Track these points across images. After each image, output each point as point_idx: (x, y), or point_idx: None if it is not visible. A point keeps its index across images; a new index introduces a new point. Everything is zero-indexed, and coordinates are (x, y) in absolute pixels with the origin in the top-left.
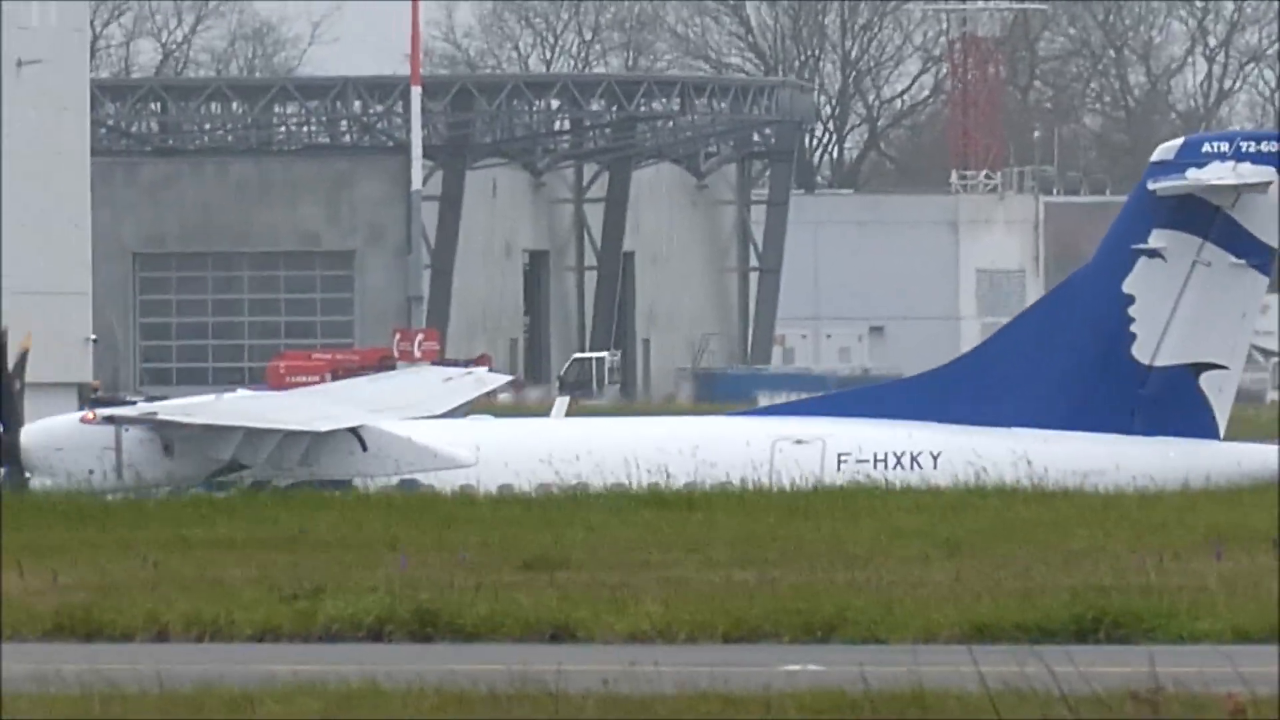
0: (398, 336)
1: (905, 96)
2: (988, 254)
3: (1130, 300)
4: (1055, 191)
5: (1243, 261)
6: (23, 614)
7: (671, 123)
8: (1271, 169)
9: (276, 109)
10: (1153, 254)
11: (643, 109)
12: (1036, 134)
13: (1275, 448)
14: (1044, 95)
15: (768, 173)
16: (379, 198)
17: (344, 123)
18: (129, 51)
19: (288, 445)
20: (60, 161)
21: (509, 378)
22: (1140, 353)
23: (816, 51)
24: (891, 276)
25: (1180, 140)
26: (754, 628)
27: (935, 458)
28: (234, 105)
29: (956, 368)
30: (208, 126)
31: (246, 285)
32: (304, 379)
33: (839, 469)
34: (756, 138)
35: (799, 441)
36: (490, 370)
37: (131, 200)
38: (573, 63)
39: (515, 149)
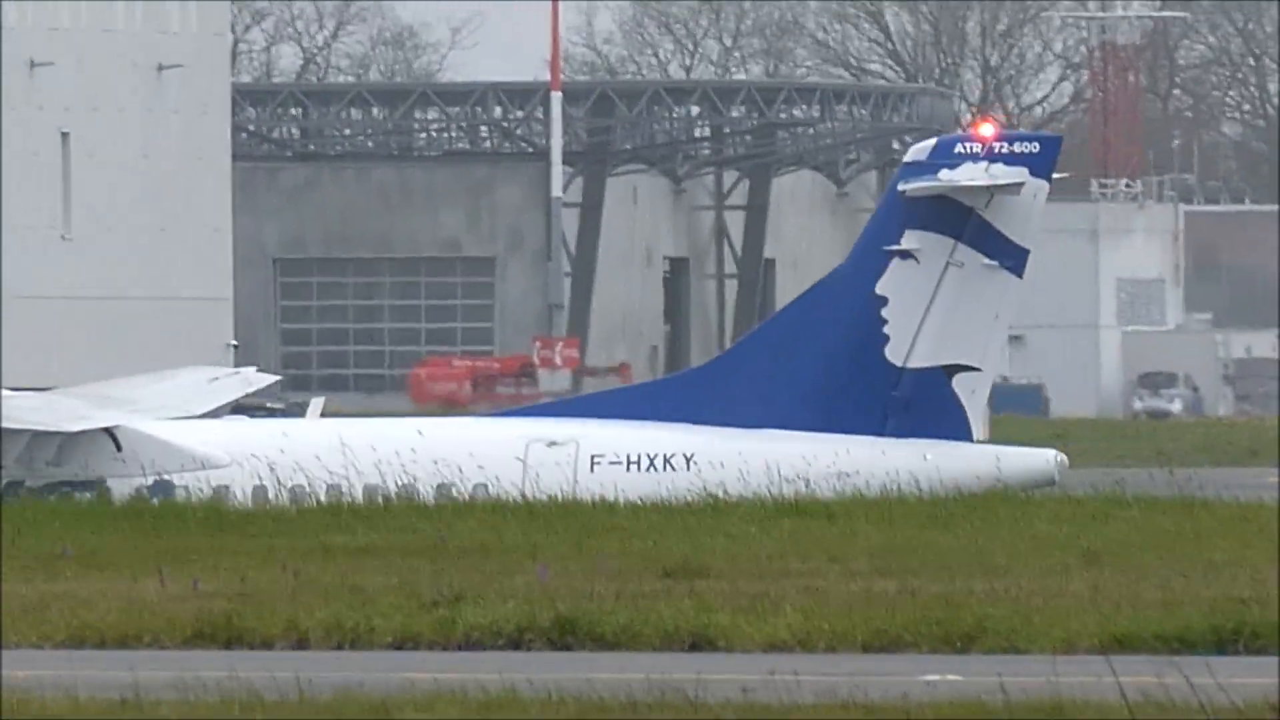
0: (538, 344)
1: (1045, 104)
2: (1127, 262)
3: (883, 301)
4: (1195, 200)
5: (995, 263)
6: (163, 621)
7: (811, 130)
8: (1024, 170)
9: (417, 114)
10: (905, 255)
11: (783, 116)
12: (1176, 142)
13: (1052, 451)
14: (1183, 103)
15: None
16: (519, 204)
17: (484, 128)
18: (270, 56)
19: (37, 445)
20: (201, 166)
21: (277, 378)
22: (893, 354)
23: (956, 58)
24: (1031, 284)
25: (933, 141)
26: (893, 637)
27: (689, 459)
28: (374, 110)
29: (710, 369)
30: (348, 132)
31: (387, 291)
32: (445, 386)
33: (592, 470)
34: (896, 145)
35: (552, 443)
36: (628, 371)
37: (272, 205)
38: (713, 69)
39: (655, 155)
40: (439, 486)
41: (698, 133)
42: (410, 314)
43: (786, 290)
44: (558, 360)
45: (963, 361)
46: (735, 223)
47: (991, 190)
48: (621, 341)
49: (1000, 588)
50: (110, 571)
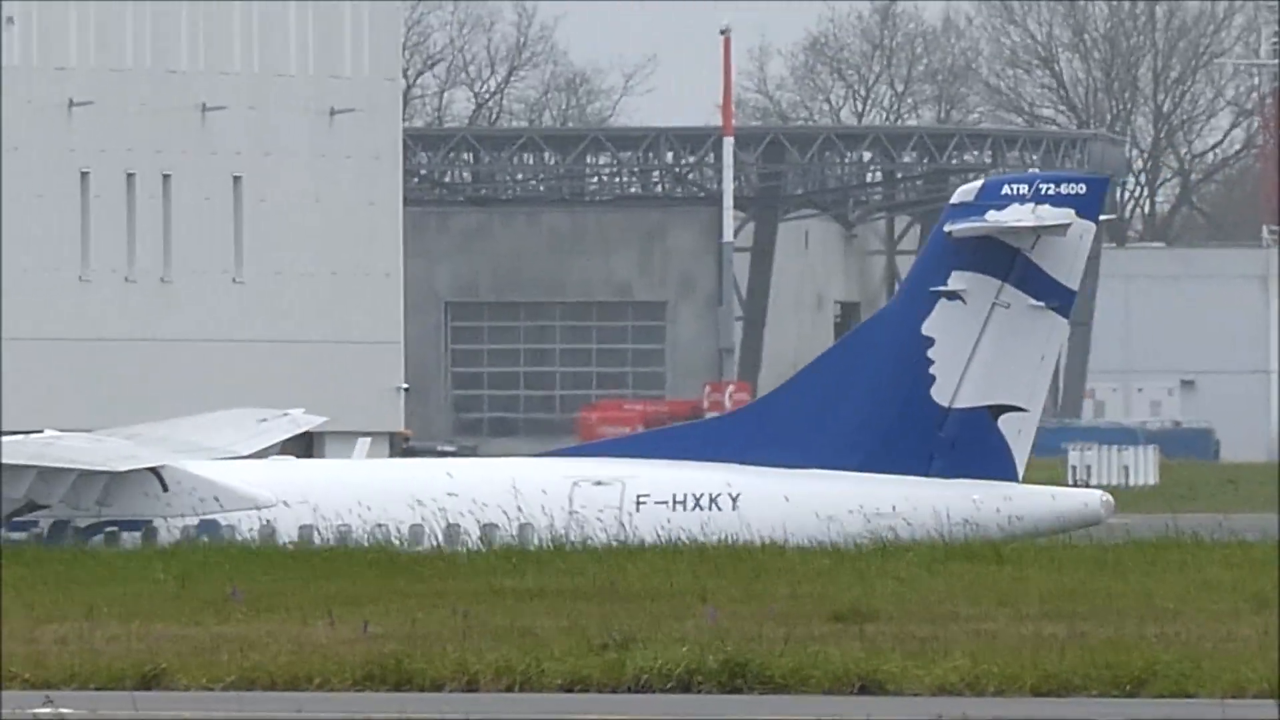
0: (708, 388)
1: (1217, 150)
2: None
3: (930, 342)
4: None
5: (1042, 304)
6: (333, 663)
7: (983, 175)
8: (1070, 211)
9: (589, 159)
10: (952, 296)
11: (954, 161)
12: None
13: (1097, 492)
14: None
15: None
16: (691, 248)
17: (656, 173)
18: (442, 101)
19: (83, 485)
20: (373, 211)
21: (324, 418)
22: (939, 395)
23: (1129, 105)
24: (1202, 330)
25: (980, 182)
26: (1063, 681)
27: (734, 499)
28: (546, 155)
29: (757, 409)
30: (520, 176)
31: (558, 335)
32: (616, 429)
33: (638, 510)
34: None
35: (598, 483)
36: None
37: (444, 249)
38: (884, 115)
39: (827, 200)
40: (484, 526)
41: (869, 178)
42: (581, 358)
43: None
44: (727, 404)
45: (1009, 402)
46: (906, 267)
47: (1038, 231)
48: None
49: (1170, 632)
50: (280, 613)
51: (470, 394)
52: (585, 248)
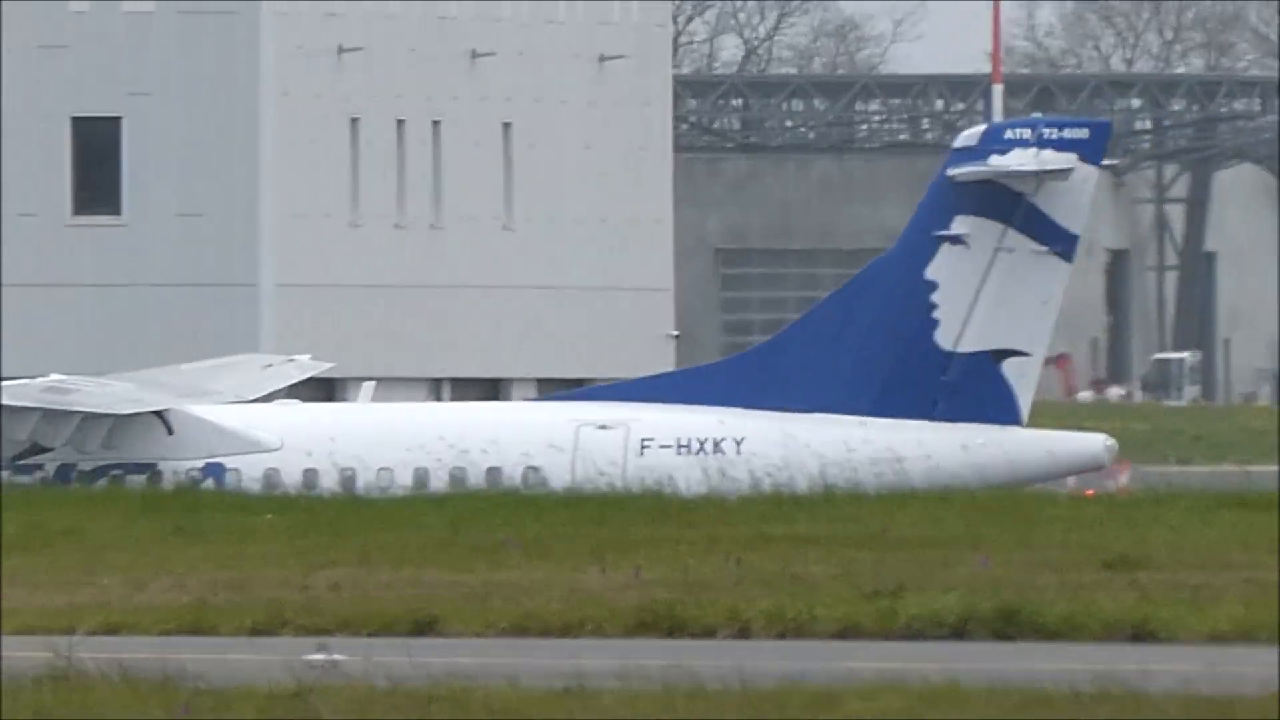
0: None
1: None
2: None
3: (933, 286)
4: None
5: (1045, 248)
6: (605, 610)
7: (1253, 123)
8: (1073, 155)
9: (858, 106)
10: (955, 240)
11: (1224, 109)
12: None
13: (1101, 436)
14: None
15: None
16: None
17: (925, 120)
18: (712, 48)
19: (89, 428)
20: (643, 157)
21: (330, 364)
22: (943, 339)
23: None
24: None
25: (983, 126)
26: None
27: (739, 443)
28: (816, 102)
29: (760, 353)
30: (789, 123)
31: (829, 283)
32: None
33: (642, 454)
34: None
35: (602, 427)
36: (1068, 363)
37: (714, 197)
38: (1154, 62)
39: None
40: (489, 470)
41: (1138, 126)
42: None
43: (1227, 284)
44: None
45: (1012, 346)
46: (1175, 216)
47: (1040, 175)
48: (1063, 333)
49: None
50: (553, 560)
51: (740, 340)
52: (855, 195)
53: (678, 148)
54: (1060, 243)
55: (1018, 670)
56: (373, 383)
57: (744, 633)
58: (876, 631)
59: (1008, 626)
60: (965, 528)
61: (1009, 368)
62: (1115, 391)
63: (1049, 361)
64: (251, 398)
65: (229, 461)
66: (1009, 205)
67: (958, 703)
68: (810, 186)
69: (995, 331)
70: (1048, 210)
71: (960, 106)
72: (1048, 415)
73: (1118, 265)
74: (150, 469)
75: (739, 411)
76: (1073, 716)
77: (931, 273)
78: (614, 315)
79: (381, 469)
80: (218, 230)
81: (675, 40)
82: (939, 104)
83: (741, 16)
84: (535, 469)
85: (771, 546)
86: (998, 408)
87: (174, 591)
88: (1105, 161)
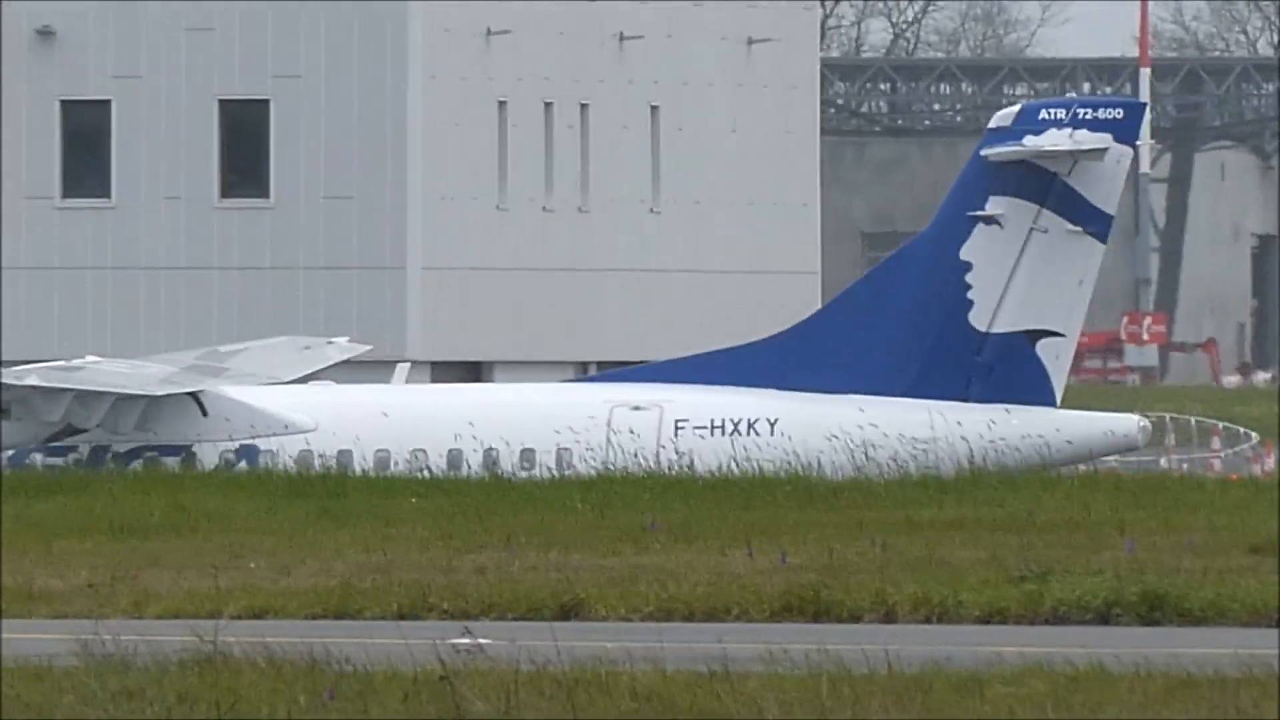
0: (1126, 319)
1: None
2: None
3: (967, 267)
4: None
5: (1080, 229)
6: (751, 594)
7: None
8: (1108, 135)
9: (1006, 90)
10: (989, 220)
11: None
12: None
13: (1135, 417)
14: None
15: None
16: None
17: None
18: (860, 31)
19: (122, 409)
20: (790, 140)
21: (368, 347)
22: (977, 319)
23: None
24: None
25: (1018, 106)
26: None
27: (772, 424)
28: (963, 86)
29: (794, 334)
30: (936, 107)
31: None
32: None
33: (676, 436)
34: None
35: (636, 408)
36: (1214, 348)
37: (861, 180)
38: None
39: (1244, 132)
40: (523, 451)
41: None
42: None
43: None
44: (1145, 336)
45: (1046, 327)
46: None
47: (1075, 155)
48: (1208, 317)
49: None
50: (698, 544)
51: None
52: None
53: (825, 131)
54: (1095, 223)
55: (1162, 655)
56: (407, 364)
57: (889, 617)
58: (1022, 616)
59: (1153, 611)
60: (1110, 511)
61: (1043, 348)
62: (1261, 376)
63: (1196, 347)
64: (288, 379)
65: (263, 443)
66: (1043, 185)
67: (1103, 687)
68: (957, 170)
69: (1029, 312)
70: (1082, 190)
71: (1107, 90)
72: (1195, 399)
73: (1265, 250)
74: (184, 450)
75: (773, 393)
76: (1218, 702)
77: (966, 253)
78: (760, 299)
79: (415, 450)
80: (365, 213)
81: (823, 23)
82: (1086, 88)
83: (889, 0)
84: (567, 450)
85: (917, 531)
86: (1032, 389)
87: (319, 575)
88: (1139, 141)
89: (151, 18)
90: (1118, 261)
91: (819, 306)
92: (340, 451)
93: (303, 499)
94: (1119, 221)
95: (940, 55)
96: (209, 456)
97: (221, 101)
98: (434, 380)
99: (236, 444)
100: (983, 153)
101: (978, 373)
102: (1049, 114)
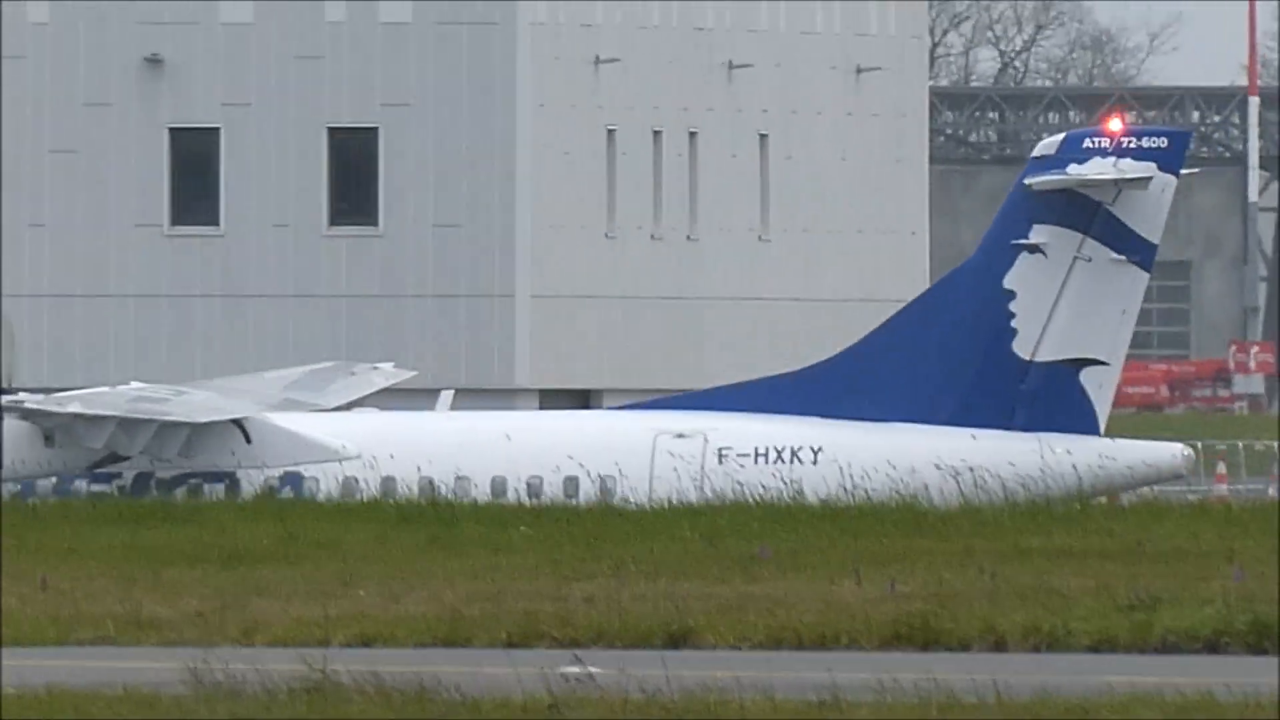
0: (1234, 348)
1: None
2: None
3: (1011, 296)
4: None
5: (1123, 257)
6: (860, 622)
7: None
8: (1152, 164)
9: None
10: (1034, 249)
11: None
12: None
13: (1178, 445)
14: None
15: None
16: (1216, 207)
17: None
18: (968, 60)
19: (165, 436)
20: (899, 169)
21: (413, 373)
22: (1021, 348)
23: None
24: None
25: (1062, 135)
26: None
27: (816, 453)
28: (1072, 114)
29: (838, 363)
30: (1045, 136)
31: None
32: (1141, 389)
33: (720, 463)
34: None
35: (680, 435)
36: None
37: (970, 208)
38: None
39: None
40: (566, 479)
41: None
42: None
43: None
44: (1252, 364)
45: (1090, 355)
46: None
47: (1119, 184)
48: None
49: None
50: (808, 572)
51: None
52: None
53: (933, 160)
54: (1138, 252)
55: (1270, 685)
56: (451, 391)
57: (999, 646)
58: (1131, 645)
59: (1261, 640)
60: (1219, 540)
61: (1087, 377)
62: None
63: None
64: (331, 406)
65: (307, 470)
66: (1087, 214)
67: (1211, 716)
68: None
69: (1073, 340)
70: (1126, 219)
71: (1216, 119)
72: None
73: None
74: (228, 478)
75: (817, 421)
76: None
77: (1010, 282)
78: (868, 327)
79: (459, 477)
80: (473, 241)
81: (932, 52)
82: (1195, 116)
83: (998, 29)
84: (611, 478)
85: (1026, 559)
86: (1075, 417)
87: (429, 603)
88: (1184, 171)
89: (261, 45)
90: (1226, 290)
91: None
92: (384, 479)
93: (413, 527)
94: (1227, 250)
95: (1048, 84)
96: (252, 483)
97: (330, 129)
98: (541, 408)
99: (280, 471)
100: (1026, 181)
101: (1022, 401)
102: (1093, 142)
